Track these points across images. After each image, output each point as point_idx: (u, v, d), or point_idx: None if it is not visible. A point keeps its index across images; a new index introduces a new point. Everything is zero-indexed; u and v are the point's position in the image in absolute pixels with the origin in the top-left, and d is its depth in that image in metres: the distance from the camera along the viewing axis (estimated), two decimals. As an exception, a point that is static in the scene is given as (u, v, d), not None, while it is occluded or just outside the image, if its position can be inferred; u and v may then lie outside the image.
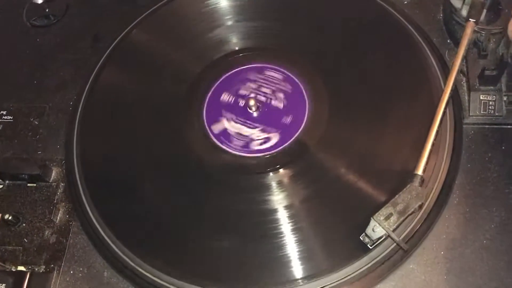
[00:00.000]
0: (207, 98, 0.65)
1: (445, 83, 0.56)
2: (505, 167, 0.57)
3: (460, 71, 0.61)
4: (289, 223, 0.55)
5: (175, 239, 0.56)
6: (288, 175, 0.58)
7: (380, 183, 0.55)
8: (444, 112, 0.55)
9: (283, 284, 0.52)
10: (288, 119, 0.62)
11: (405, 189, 0.51)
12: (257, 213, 0.56)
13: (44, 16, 0.77)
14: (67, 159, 0.63)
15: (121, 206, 0.59)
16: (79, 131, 0.65)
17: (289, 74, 0.65)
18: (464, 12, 0.63)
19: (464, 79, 0.62)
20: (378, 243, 0.51)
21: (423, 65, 0.62)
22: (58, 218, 0.60)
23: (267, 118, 0.62)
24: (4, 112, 0.68)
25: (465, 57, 0.60)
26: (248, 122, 0.63)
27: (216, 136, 0.62)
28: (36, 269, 0.57)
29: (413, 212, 0.50)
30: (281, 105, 0.63)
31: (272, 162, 0.59)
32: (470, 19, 0.59)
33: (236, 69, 0.66)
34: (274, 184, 0.58)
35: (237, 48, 0.68)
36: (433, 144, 0.53)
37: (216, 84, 0.65)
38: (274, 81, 0.65)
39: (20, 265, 0.57)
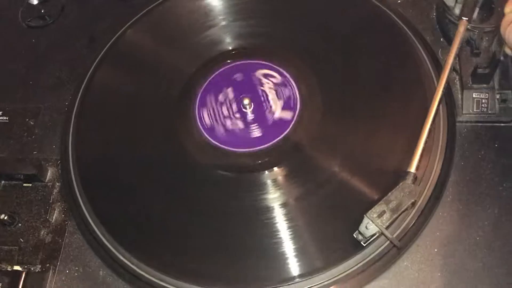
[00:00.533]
0: (201, 97, 0.65)
1: (438, 81, 0.57)
2: (498, 165, 0.57)
3: (453, 69, 0.62)
4: (283, 221, 0.55)
5: (170, 238, 0.57)
6: (282, 173, 0.58)
7: (374, 181, 0.55)
8: (437, 110, 0.55)
9: (278, 282, 0.52)
10: (282, 117, 0.62)
11: (398, 186, 0.51)
12: (252, 212, 0.56)
13: (40, 17, 0.77)
14: (63, 159, 0.64)
15: (117, 205, 0.60)
16: (74, 131, 0.65)
17: (282, 72, 0.65)
18: (457, 11, 0.63)
19: (457, 77, 0.62)
20: (372, 241, 0.51)
21: (416, 64, 0.62)
22: (53, 217, 0.60)
23: (261, 116, 0.63)
24: (0, 113, 0.68)
25: (458, 56, 0.60)
26: (242, 120, 0.63)
27: (210, 134, 0.62)
28: (32, 269, 0.57)
29: (406, 210, 0.50)
30: (274, 103, 0.63)
31: (266, 160, 0.60)
32: (463, 18, 0.59)
33: (230, 68, 0.66)
34: (268, 183, 0.58)
35: (230, 48, 0.68)
36: (426, 142, 0.53)
37: (210, 83, 0.66)
38: (267, 79, 0.65)
39: (16, 265, 0.57)
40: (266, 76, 0.65)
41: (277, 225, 0.55)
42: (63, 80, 0.71)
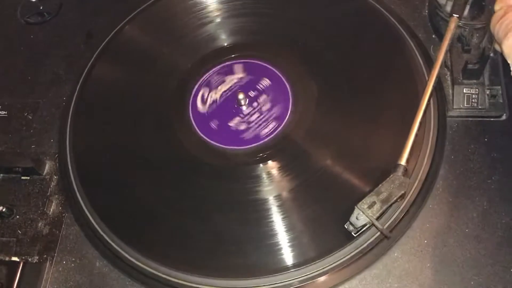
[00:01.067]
0: (196, 93, 0.66)
1: (429, 77, 0.58)
2: (487, 159, 0.58)
3: (445, 65, 0.63)
4: (278, 212, 0.56)
5: (166, 229, 0.58)
6: (276, 166, 0.59)
7: (365, 173, 0.56)
8: (428, 104, 0.56)
9: (271, 271, 0.53)
10: (276, 112, 0.63)
11: (388, 178, 0.52)
12: (246, 203, 0.57)
13: (38, 14, 0.78)
14: (60, 152, 0.65)
15: (113, 198, 0.61)
16: (72, 125, 0.66)
17: (276, 68, 0.66)
18: (448, 8, 0.64)
19: (448, 73, 0.63)
20: (362, 231, 0.52)
21: (408, 60, 0.63)
22: (51, 210, 0.61)
23: (256, 111, 0.64)
24: (-1, 107, 0.69)
25: (449, 52, 0.61)
26: (237, 115, 0.64)
27: (206, 130, 0.63)
28: (30, 260, 0.58)
29: (396, 201, 0.51)
30: (269, 98, 0.64)
31: (260, 154, 0.61)
32: (453, 15, 0.60)
33: (225, 65, 0.68)
34: (263, 175, 0.59)
35: (226, 44, 0.69)
36: (416, 135, 0.54)
37: (205, 79, 0.67)
38: (261, 75, 0.66)
39: (14, 256, 0.58)
40: (260, 72, 0.66)
41: (271, 216, 0.56)
42: (61, 76, 0.72)
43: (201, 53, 0.69)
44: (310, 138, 0.61)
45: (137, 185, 0.61)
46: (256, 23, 0.70)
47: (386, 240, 0.53)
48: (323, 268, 0.53)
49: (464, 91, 0.61)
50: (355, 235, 0.52)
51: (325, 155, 0.59)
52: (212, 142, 0.62)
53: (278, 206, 0.56)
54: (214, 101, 0.65)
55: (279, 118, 0.63)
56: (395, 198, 0.51)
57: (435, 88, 0.57)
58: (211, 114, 0.64)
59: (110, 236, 0.58)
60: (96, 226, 0.59)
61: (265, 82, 0.65)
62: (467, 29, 0.62)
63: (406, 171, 0.53)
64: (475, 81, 0.61)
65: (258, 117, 0.63)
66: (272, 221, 0.56)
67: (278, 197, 0.57)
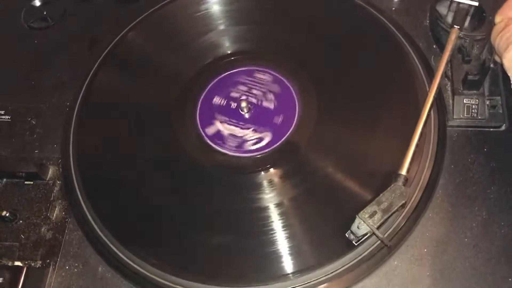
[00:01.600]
0: (201, 101, 0.67)
1: (430, 87, 0.58)
2: (486, 169, 0.59)
3: (445, 75, 0.63)
4: (279, 220, 0.57)
5: (169, 236, 0.58)
6: (279, 174, 0.60)
7: (366, 182, 0.57)
8: (429, 114, 0.57)
9: (272, 279, 0.53)
10: (279, 120, 0.64)
11: (389, 188, 0.53)
12: (248, 211, 0.58)
13: (42, 19, 0.79)
14: (64, 157, 0.65)
15: (116, 203, 0.61)
16: (75, 130, 0.66)
17: (280, 76, 0.67)
18: (449, 19, 0.65)
19: (448, 83, 0.63)
20: (363, 240, 0.53)
21: (409, 70, 0.64)
22: (54, 215, 0.62)
23: (259, 119, 0.64)
24: (2, 112, 0.70)
25: (449, 62, 0.62)
26: (241, 123, 0.65)
27: (210, 137, 0.64)
28: (33, 264, 0.58)
29: (396, 210, 0.52)
30: (272, 106, 0.65)
31: (264, 161, 0.61)
32: (454, 26, 0.61)
33: (228, 72, 0.68)
34: (265, 183, 0.60)
35: (229, 52, 0.70)
36: (417, 145, 0.55)
37: (209, 86, 0.67)
38: (264, 83, 0.67)
39: (17, 260, 0.59)
40: (264, 79, 0.67)
41: (272, 224, 0.56)
42: (65, 81, 0.72)
43: (205, 60, 0.69)
44: (312, 147, 0.61)
45: (140, 191, 0.61)
46: (260, 31, 0.71)
47: (386, 248, 0.54)
48: (324, 276, 0.53)
49: (464, 101, 0.61)
50: (356, 244, 0.53)
51: (326, 163, 0.59)
52: (216, 148, 0.63)
53: (279, 214, 0.57)
54: (218, 109, 0.66)
55: (284, 126, 0.63)
56: (395, 208, 0.52)
57: (435, 98, 0.58)
58: (215, 121, 0.65)
59: (112, 242, 0.58)
60: (99, 231, 0.59)
61: (270, 89, 0.66)
62: (467, 40, 0.63)
63: (406, 181, 0.54)
64: (475, 91, 0.61)
65: (263, 124, 0.64)
66: (273, 229, 0.56)
67: (279, 205, 0.58)
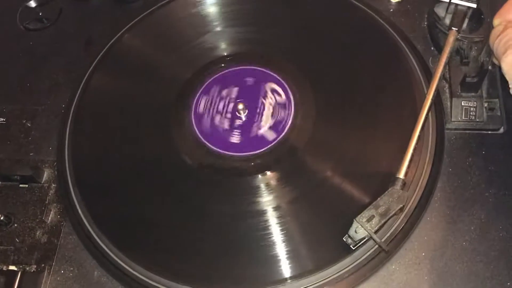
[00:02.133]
0: (198, 102, 0.66)
1: (428, 89, 0.58)
2: (485, 172, 0.58)
3: (443, 77, 0.63)
4: (276, 224, 0.56)
5: (165, 239, 0.58)
6: (276, 177, 0.59)
7: (363, 186, 0.56)
8: (426, 117, 0.56)
9: (269, 283, 0.53)
10: (276, 122, 0.63)
11: (387, 192, 0.52)
12: (244, 215, 0.57)
13: (38, 20, 0.78)
14: (59, 160, 0.64)
15: (112, 207, 0.61)
16: (70, 133, 0.66)
17: (276, 77, 0.66)
18: (447, 21, 0.64)
19: (446, 85, 0.63)
20: (361, 244, 0.53)
21: (407, 72, 0.63)
22: (49, 218, 0.61)
23: (256, 121, 0.64)
24: (-3, 114, 0.69)
25: (447, 64, 0.62)
26: (238, 125, 0.64)
27: (205, 139, 0.63)
28: (27, 269, 0.58)
29: (394, 215, 0.52)
30: (269, 108, 0.65)
31: (260, 164, 0.61)
32: (452, 28, 0.61)
33: (225, 74, 0.67)
34: (262, 186, 0.59)
35: (225, 54, 0.69)
36: (415, 149, 0.55)
37: (206, 88, 0.67)
38: (261, 85, 0.66)
39: (12, 265, 0.58)
40: (260, 81, 0.66)
41: (269, 227, 0.56)
42: (60, 83, 0.72)
43: (201, 62, 0.69)
44: (309, 150, 0.61)
45: (137, 194, 0.61)
46: (256, 33, 0.70)
47: (384, 253, 0.53)
48: (321, 281, 0.53)
49: (463, 104, 0.61)
50: (353, 248, 0.53)
51: (324, 167, 0.59)
52: (214, 151, 0.62)
53: (276, 217, 0.57)
54: (215, 111, 0.65)
55: (280, 128, 0.63)
56: (393, 212, 0.51)
57: (433, 101, 0.57)
58: (211, 124, 0.64)
59: (108, 246, 0.57)
60: (95, 235, 0.59)
61: (266, 91, 0.66)
62: (465, 42, 0.63)
63: (404, 185, 0.53)
64: (473, 94, 0.61)
65: (259, 126, 0.63)
66: (270, 233, 0.56)
67: (276, 209, 0.57)
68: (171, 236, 0.58)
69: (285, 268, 0.53)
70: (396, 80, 0.63)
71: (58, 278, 0.58)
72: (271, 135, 0.63)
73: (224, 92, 0.66)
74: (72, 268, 0.58)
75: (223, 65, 0.68)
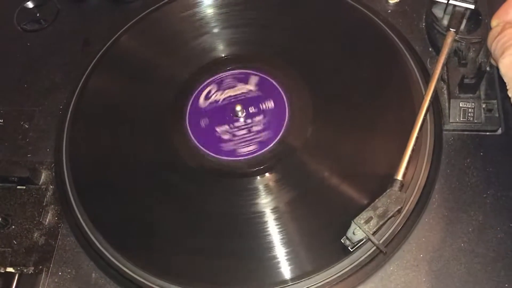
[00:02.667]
0: (196, 104, 0.66)
1: (426, 90, 0.58)
2: (483, 173, 0.58)
3: (441, 79, 0.63)
4: (274, 225, 0.56)
5: (163, 241, 0.58)
6: (273, 179, 0.59)
7: (362, 187, 0.56)
8: (424, 118, 0.56)
9: (267, 285, 0.53)
10: (273, 123, 0.63)
11: (385, 193, 0.52)
12: (243, 216, 0.57)
13: (35, 21, 0.78)
14: (57, 162, 0.64)
15: (110, 208, 0.60)
16: (68, 134, 0.66)
17: (273, 79, 0.66)
18: (445, 22, 0.64)
19: (444, 86, 0.63)
20: (359, 246, 0.53)
21: (405, 73, 0.63)
22: (47, 220, 0.61)
23: (253, 122, 0.64)
24: (-5, 115, 0.69)
25: (445, 66, 0.62)
26: (234, 127, 0.64)
27: (203, 140, 0.63)
28: (25, 271, 0.58)
29: (392, 216, 0.52)
30: (266, 109, 0.64)
31: (258, 165, 0.61)
32: (450, 29, 0.61)
33: (223, 75, 0.67)
34: (260, 188, 0.59)
35: (223, 55, 0.69)
36: (413, 150, 0.55)
37: (204, 89, 0.67)
38: (258, 86, 0.66)
39: (9, 267, 0.58)
40: (257, 83, 0.66)
41: (268, 229, 0.56)
42: (58, 84, 0.71)
43: (198, 63, 0.69)
44: (307, 151, 0.61)
45: (135, 196, 0.61)
46: (254, 34, 0.70)
47: (382, 254, 0.53)
48: (319, 282, 0.53)
49: (461, 105, 0.61)
50: (351, 250, 0.53)
51: (322, 168, 0.59)
52: (210, 153, 0.62)
53: (274, 219, 0.56)
54: (212, 112, 0.65)
55: (277, 129, 0.63)
56: (391, 213, 0.51)
57: (431, 102, 0.57)
58: (209, 125, 0.64)
59: (106, 248, 0.57)
60: (92, 237, 0.58)
61: (263, 92, 0.65)
62: (463, 43, 0.62)
63: (402, 186, 0.53)
64: (471, 95, 0.61)
65: (256, 128, 0.63)
66: (269, 235, 0.56)
67: (274, 210, 0.57)
68: (169, 238, 0.58)
69: (284, 270, 0.53)
70: (394, 81, 0.63)
71: (56, 280, 0.58)
72: (269, 137, 0.62)
73: (222, 93, 0.66)
74: (69, 270, 0.58)
75: (221, 66, 0.68)
